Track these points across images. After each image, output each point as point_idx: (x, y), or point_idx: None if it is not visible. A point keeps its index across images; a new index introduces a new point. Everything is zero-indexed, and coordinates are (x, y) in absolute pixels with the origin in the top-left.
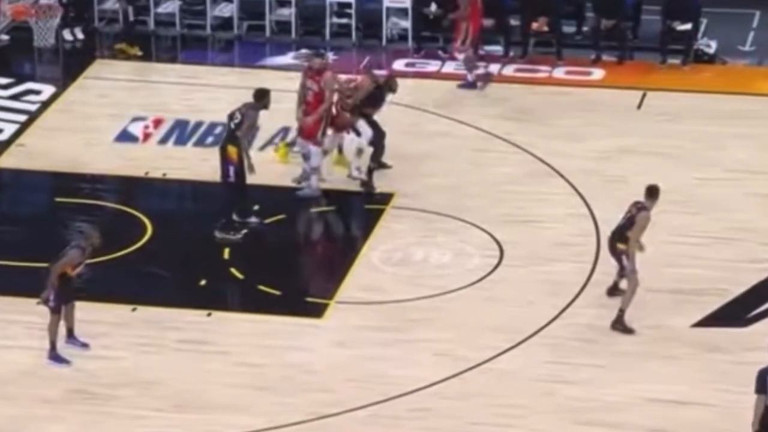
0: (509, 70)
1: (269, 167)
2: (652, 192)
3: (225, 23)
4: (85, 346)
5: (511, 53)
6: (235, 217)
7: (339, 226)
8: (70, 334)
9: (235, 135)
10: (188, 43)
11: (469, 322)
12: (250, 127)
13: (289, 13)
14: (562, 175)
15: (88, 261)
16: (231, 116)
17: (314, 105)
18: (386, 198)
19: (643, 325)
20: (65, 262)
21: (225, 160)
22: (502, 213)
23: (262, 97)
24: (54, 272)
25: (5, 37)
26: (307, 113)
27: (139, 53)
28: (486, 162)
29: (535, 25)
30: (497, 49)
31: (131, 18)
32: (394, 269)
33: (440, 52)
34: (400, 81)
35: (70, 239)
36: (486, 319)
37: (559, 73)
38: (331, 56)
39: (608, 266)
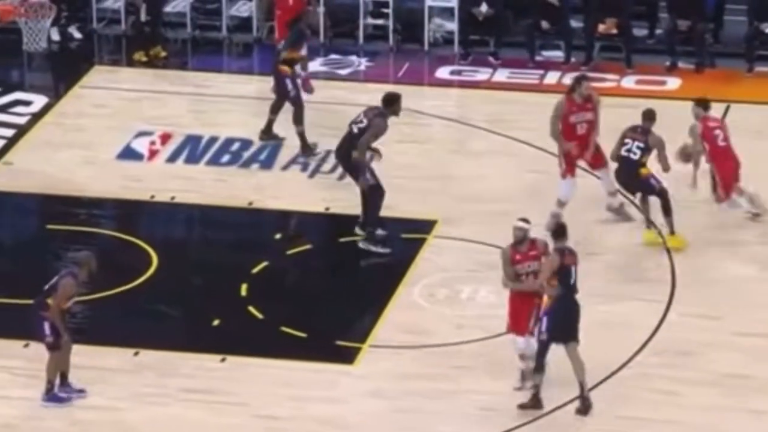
0: (570, 79)
1: (290, 189)
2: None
3: (243, 24)
4: (81, 392)
5: (573, 59)
6: (358, 230)
7: (373, 258)
8: (64, 380)
9: (356, 141)
10: (200, 47)
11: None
12: (375, 135)
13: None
14: (630, 201)
15: (84, 297)
16: (355, 121)
17: (588, 135)
18: (428, 226)
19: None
20: (61, 296)
21: (351, 166)
22: None
23: (391, 103)
24: (54, 312)
25: None
26: (584, 147)
27: (163, 53)
28: (544, 185)
29: (601, 27)
30: (557, 54)
31: (143, 17)
32: (437, 308)
33: (491, 59)
34: (443, 91)
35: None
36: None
37: (629, 82)
38: (364, 63)
39: (684, 305)
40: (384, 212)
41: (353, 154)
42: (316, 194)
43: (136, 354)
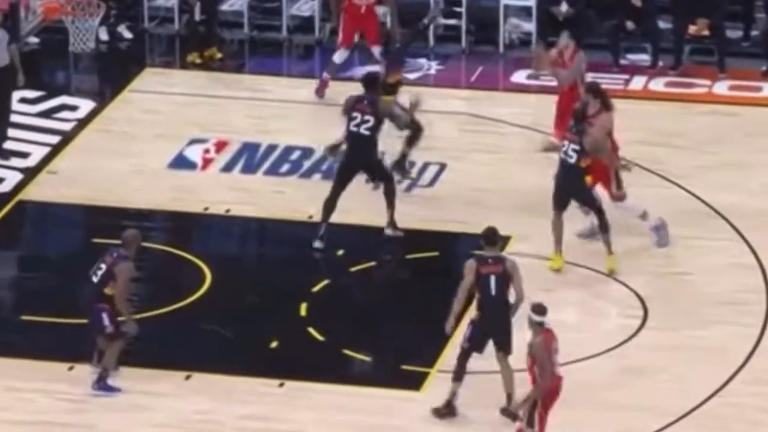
0: (658, 84)
1: (353, 201)
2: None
3: (304, 24)
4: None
5: (661, 63)
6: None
7: (441, 276)
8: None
9: (369, 143)
10: (258, 49)
11: (604, 398)
12: (393, 117)
13: (383, 12)
14: (723, 216)
15: (136, 316)
16: (357, 124)
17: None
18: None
19: None
20: (123, 283)
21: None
22: (646, 262)
23: (373, 84)
24: (121, 302)
25: (35, 40)
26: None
27: (219, 55)
28: (629, 199)
29: (692, 29)
30: (643, 58)
31: (197, 17)
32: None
33: None
34: (519, 97)
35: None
36: (625, 395)
37: (722, 88)
38: (434, 66)
39: None
40: (456, 227)
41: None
42: (382, 207)
43: (187, 378)
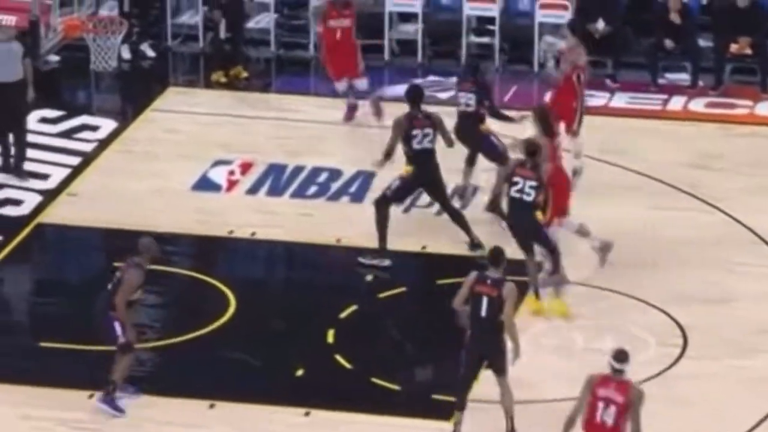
0: (698, 105)
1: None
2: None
3: None
4: (135, 390)
5: (701, 83)
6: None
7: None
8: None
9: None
10: (285, 67)
11: (643, 428)
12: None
13: (414, 29)
14: (765, 241)
15: (155, 342)
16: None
17: None
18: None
19: None
20: (127, 287)
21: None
22: (686, 288)
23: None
24: (119, 305)
25: (55, 58)
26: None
27: (245, 74)
28: (666, 222)
29: (734, 47)
30: (683, 77)
31: (222, 34)
32: (547, 359)
33: (608, 82)
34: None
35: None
36: (664, 425)
37: (764, 109)
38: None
39: None
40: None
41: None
42: (412, 231)
43: (211, 407)
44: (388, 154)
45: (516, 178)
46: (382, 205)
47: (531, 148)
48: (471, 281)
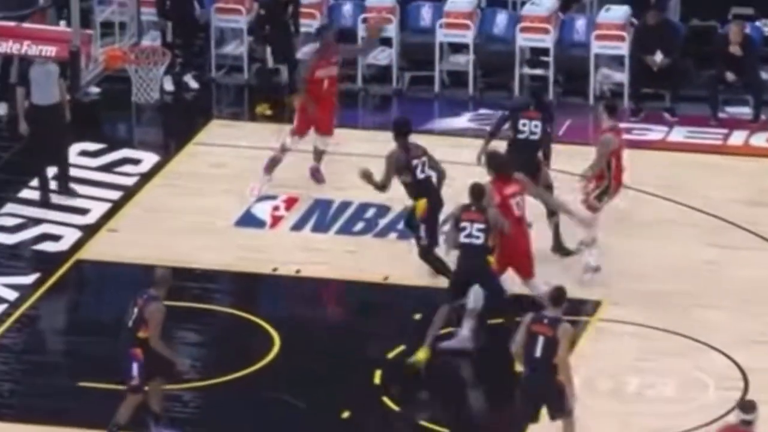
0: (760, 140)
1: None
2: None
3: (381, 74)
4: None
5: (763, 117)
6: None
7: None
8: (158, 421)
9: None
10: None
11: None
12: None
13: (465, 60)
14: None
15: (197, 383)
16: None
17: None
18: (590, 307)
19: None
20: (154, 326)
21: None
22: (747, 330)
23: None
24: (157, 345)
25: (95, 90)
26: None
27: (268, 112)
28: (725, 260)
29: None
30: (744, 111)
31: (270, 63)
32: (601, 402)
33: (666, 115)
34: None
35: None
36: None
37: None
38: None
39: None
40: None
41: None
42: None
43: None
44: (384, 187)
45: (463, 223)
46: (428, 254)
47: (476, 191)
48: (527, 321)
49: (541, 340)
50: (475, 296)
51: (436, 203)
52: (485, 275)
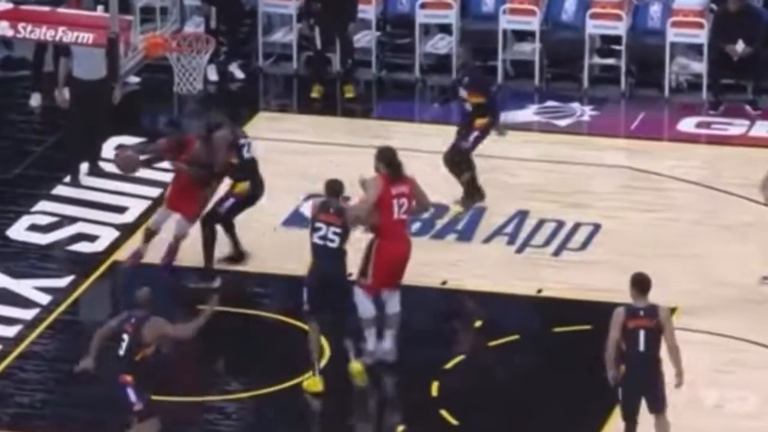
0: None
1: (494, 265)
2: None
3: (440, 63)
4: None
5: None
6: None
7: (594, 353)
8: None
9: None
10: (388, 91)
11: None
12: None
13: (531, 49)
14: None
15: (242, 394)
16: None
17: None
18: None
19: None
20: (169, 333)
21: None
22: None
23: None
24: (181, 333)
25: (135, 79)
26: None
27: (351, 94)
28: None
29: None
30: None
31: (319, 44)
32: (674, 418)
33: (748, 108)
34: (688, 148)
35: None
36: None
37: None
38: (588, 111)
39: None
40: (611, 297)
41: None
42: (526, 273)
43: None
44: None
45: (319, 224)
46: (208, 225)
47: (333, 187)
48: (621, 318)
49: (642, 334)
50: (362, 306)
51: (257, 188)
52: (340, 283)
